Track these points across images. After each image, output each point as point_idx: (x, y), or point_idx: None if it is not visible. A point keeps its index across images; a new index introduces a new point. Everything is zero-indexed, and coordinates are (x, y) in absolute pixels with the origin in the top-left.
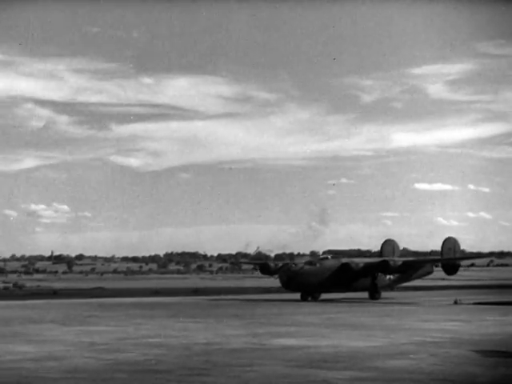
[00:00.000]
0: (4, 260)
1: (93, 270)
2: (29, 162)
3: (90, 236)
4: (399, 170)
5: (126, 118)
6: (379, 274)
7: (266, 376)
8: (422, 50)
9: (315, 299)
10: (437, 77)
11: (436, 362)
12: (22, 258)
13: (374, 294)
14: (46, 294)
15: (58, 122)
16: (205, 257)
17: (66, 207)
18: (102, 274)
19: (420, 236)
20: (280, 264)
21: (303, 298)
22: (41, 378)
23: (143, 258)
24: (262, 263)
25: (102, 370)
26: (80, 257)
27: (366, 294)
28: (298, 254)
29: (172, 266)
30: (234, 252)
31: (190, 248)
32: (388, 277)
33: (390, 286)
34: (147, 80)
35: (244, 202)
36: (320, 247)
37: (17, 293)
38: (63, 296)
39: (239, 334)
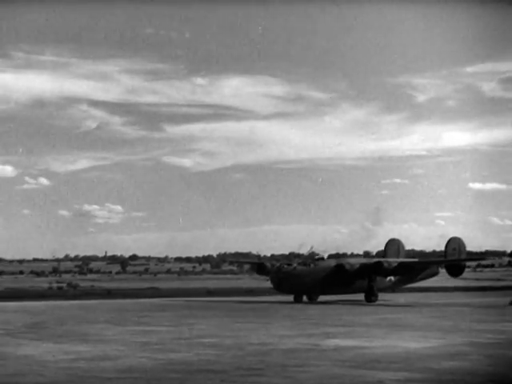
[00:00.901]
0: (58, 260)
1: (146, 270)
2: (82, 162)
3: (144, 236)
4: (453, 170)
5: (178, 118)
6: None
7: (319, 376)
8: (476, 48)
9: (313, 301)
10: (491, 75)
11: (491, 364)
12: (76, 258)
13: (370, 297)
14: (100, 294)
15: (111, 122)
16: (258, 257)
17: (119, 207)
18: (155, 274)
19: (475, 236)
20: (278, 264)
21: (296, 301)
22: (95, 378)
23: (196, 258)
24: (258, 263)
25: (156, 369)
26: (134, 257)
27: (362, 296)
28: (352, 255)
29: (225, 267)
30: (287, 252)
31: (243, 248)
32: (389, 278)
33: (391, 288)
34: (200, 80)
35: (297, 203)
36: (373, 247)
37: (71, 293)
38: (117, 296)
39: (292, 335)
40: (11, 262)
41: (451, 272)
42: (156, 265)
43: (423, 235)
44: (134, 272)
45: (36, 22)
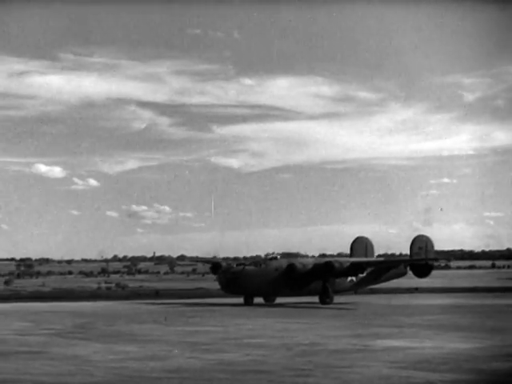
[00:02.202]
0: (106, 260)
1: (194, 270)
2: (131, 163)
3: (192, 237)
4: (501, 169)
5: (226, 119)
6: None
7: (367, 377)
8: None
9: (270, 302)
10: None
11: None
12: (125, 258)
13: (325, 299)
14: (149, 294)
15: (159, 123)
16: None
17: (167, 208)
18: (203, 274)
19: None
20: (234, 264)
21: (247, 303)
22: (144, 378)
23: (244, 258)
24: (213, 262)
25: (205, 369)
26: (182, 257)
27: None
28: (400, 255)
29: None
30: (335, 253)
31: (291, 248)
32: (350, 279)
33: (354, 289)
34: (248, 81)
35: (345, 202)
36: None
37: (119, 293)
38: (165, 296)
39: (341, 335)
40: (60, 262)
41: (417, 272)
42: (204, 265)
43: (472, 235)
44: (182, 272)
45: (85, 24)
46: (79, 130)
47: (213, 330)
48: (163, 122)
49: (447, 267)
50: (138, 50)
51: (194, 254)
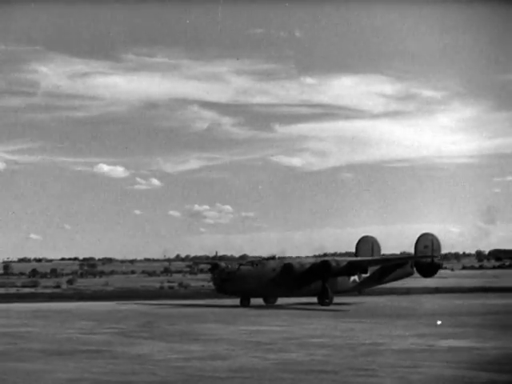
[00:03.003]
0: (169, 260)
1: None
2: (193, 163)
3: (254, 236)
4: None
5: (288, 118)
6: (345, 275)
7: (431, 378)
8: None
9: (270, 303)
10: None
11: None
12: (187, 258)
13: (324, 299)
14: (211, 294)
15: (221, 123)
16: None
17: (229, 207)
18: None
19: None
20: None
21: (243, 304)
22: (207, 377)
23: (306, 257)
24: (213, 263)
25: (268, 369)
26: (244, 257)
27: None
28: (464, 254)
29: None
30: (399, 252)
31: (354, 248)
32: (353, 279)
33: (357, 290)
34: (309, 80)
35: (408, 201)
36: (486, 246)
37: (182, 292)
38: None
39: (405, 335)
40: (123, 261)
41: (422, 272)
42: None
43: None
44: None
45: (147, 25)
46: (142, 130)
47: (276, 329)
48: (225, 121)
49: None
50: (200, 50)
51: (256, 254)
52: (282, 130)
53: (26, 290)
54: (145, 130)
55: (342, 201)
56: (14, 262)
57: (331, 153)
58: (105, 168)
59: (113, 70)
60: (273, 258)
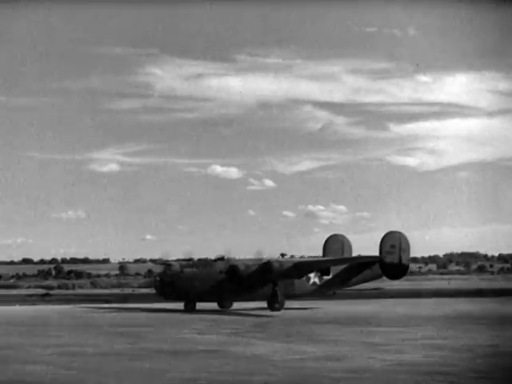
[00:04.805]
0: None
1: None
2: (306, 163)
3: (369, 236)
4: None
5: (403, 117)
6: (305, 277)
7: None
8: None
9: (225, 308)
10: None
11: None
12: (302, 258)
13: (274, 304)
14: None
15: (335, 123)
16: (485, 257)
17: (343, 208)
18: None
19: None
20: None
21: (187, 309)
22: (324, 378)
23: (422, 258)
24: (167, 265)
25: (384, 370)
26: (358, 258)
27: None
28: None
29: (452, 267)
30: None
31: (469, 248)
32: (312, 281)
33: (317, 293)
34: (424, 78)
35: None
36: None
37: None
38: (343, 296)
39: None
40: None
41: (389, 274)
42: None
43: None
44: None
45: (261, 25)
46: (255, 130)
47: (391, 330)
48: (340, 121)
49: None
50: (313, 50)
51: (371, 254)
52: (396, 129)
53: (143, 290)
54: (258, 130)
55: (458, 200)
56: (130, 262)
57: (446, 151)
58: (218, 169)
59: (226, 71)
60: (221, 258)
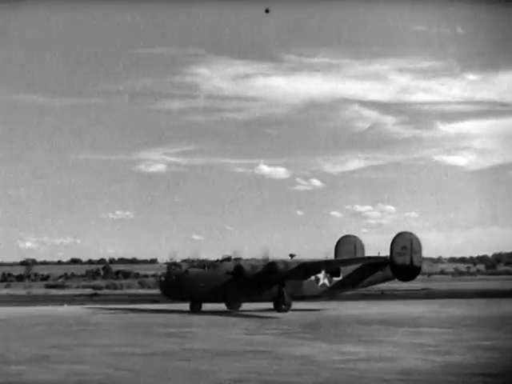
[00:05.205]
0: None
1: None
2: (354, 163)
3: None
4: None
5: (451, 116)
6: (314, 278)
7: None
8: None
9: (234, 309)
10: None
11: None
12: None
13: (280, 305)
14: (374, 294)
15: (383, 122)
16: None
17: (391, 208)
18: (429, 275)
19: None
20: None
21: (193, 309)
22: (372, 379)
23: (471, 258)
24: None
25: (433, 372)
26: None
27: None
28: None
29: (501, 267)
30: None
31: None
32: (322, 282)
33: (327, 295)
34: (472, 76)
35: None
36: None
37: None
38: (390, 297)
39: None
40: None
41: (399, 275)
42: (430, 265)
43: None
44: None
45: (308, 25)
46: (302, 130)
47: (438, 331)
48: (387, 121)
49: None
50: (361, 49)
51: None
52: (444, 128)
53: None
54: (305, 130)
55: (506, 199)
56: (177, 263)
57: (495, 151)
58: (266, 169)
59: (274, 70)
60: (228, 259)
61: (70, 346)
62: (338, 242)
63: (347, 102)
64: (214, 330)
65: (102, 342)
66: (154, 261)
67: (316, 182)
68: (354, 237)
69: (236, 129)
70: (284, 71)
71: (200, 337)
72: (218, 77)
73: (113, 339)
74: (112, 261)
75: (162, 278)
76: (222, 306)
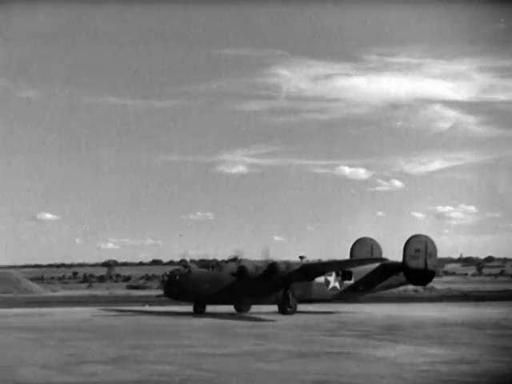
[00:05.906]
0: None
1: (502, 272)
2: (436, 163)
3: (500, 237)
4: None
5: None
6: (324, 281)
7: None
8: None
9: (243, 312)
10: None
11: None
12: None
13: (285, 308)
14: (456, 296)
15: (464, 122)
16: None
17: (473, 208)
18: (510, 276)
19: None
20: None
21: (196, 311)
22: (454, 382)
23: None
24: (183, 265)
25: None
26: (489, 259)
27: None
28: None
29: None
30: None
31: None
32: (332, 285)
33: (336, 298)
34: None
35: None
36: None
37: (427, 295)
38: (473, 299)
39: None
40: None
41: (412, 279)
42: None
43: None
44: (489, 274)
45: (388, 25)
46: (383, 131)
47: None
48: (469, 120)
49: None
50: (441, 48)
51: (501, 256)
52: None
53: None
54: (386, 130)
55: None
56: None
57: None
58: (346, 170)
59: (354, 71)
60: (234, 259)
61: (151, 347)
62: (354, 244)
63: (428, 101)
64: (293, 331)
65: (184, 343)
66: (234, 260)
67: (396, 183)
68: (371, 239)
69: (316, 130)
70: (364, 71)
71: (280, 338)
72: (298, 78)
73: (193, 340)
74: (193, 261)
75: (165, 278)
76: (230, 308)
